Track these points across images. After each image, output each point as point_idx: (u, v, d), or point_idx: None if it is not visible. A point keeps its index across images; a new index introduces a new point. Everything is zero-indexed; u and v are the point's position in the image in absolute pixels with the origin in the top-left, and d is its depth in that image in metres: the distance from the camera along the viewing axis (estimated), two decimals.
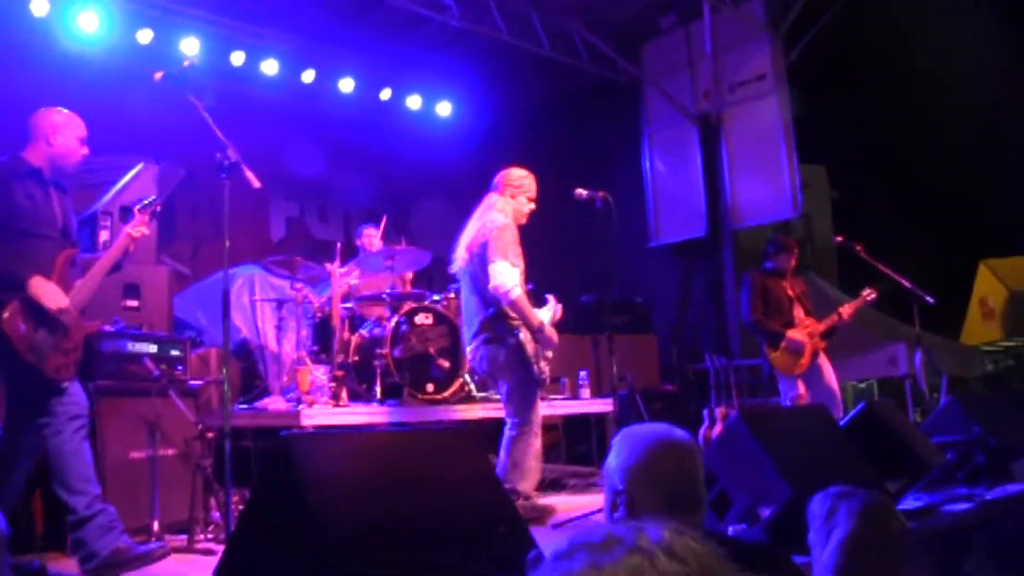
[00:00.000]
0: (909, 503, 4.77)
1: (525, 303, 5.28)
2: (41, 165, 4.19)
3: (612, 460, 2.19)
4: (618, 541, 1.17)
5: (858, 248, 7.44)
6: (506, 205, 5.51)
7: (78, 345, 4.12)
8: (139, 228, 4.37)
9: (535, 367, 5.30)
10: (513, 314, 5.29)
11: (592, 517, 5.26)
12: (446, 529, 2.49)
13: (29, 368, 3.90)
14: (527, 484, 5.33)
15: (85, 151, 4.32)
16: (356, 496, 2.41)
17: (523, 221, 5.60)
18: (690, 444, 2.21)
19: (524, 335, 5.28)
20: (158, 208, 4.46)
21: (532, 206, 5.62)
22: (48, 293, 3.93)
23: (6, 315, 3.85)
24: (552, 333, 5.39)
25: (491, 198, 5.60)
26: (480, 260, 5.36)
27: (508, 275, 5.22)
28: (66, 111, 4.31)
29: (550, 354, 5.47)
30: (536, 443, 5.36)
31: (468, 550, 2.47)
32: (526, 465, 5.32)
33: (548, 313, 5.54)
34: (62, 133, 4.22)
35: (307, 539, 2.29)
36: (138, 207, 4.45)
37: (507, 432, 5.39)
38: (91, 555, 3.93)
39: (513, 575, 2.41)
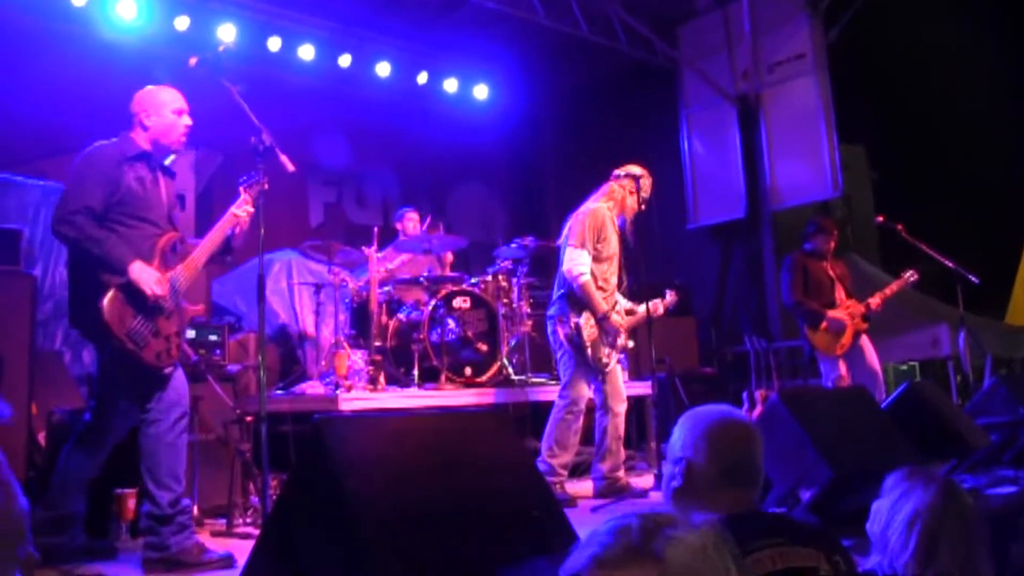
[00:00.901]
0: None
1: (591, 290, 5.47)
2: (148, 148, 4.14)
3: (676, 432, 2.25)
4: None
5: (899, 228, 7.35)
6: (623, 196, 5.74)
7: (182, 330, 4.12)
8: (244, 207, 4.27)
9: (590, 352, 5.48)
10: (578, 295, 5.50)
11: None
12: (480, 512, 2.47)
13: (131, 355, 3.86)
14: (557, 459, 5.53)
15: (187, 122, 4.20)
16: (389, 479, 2.40)
17: (628, 216, 5.78)
18: (753, 424, 2.28)
19: (584, 319, 5.48)
20: (265, 186, 4.28)
21: (642, 208, 5.80)
22: (147, 279, 3.85)
23: (105, 302, 3.80)
24: (616, 323, 5.54)
25: (608, 185, 5.82)
26: (566, 241, 5.63)
27: (578, 261, 5.48)
28: (159, 88, 4.20)
29: (624, 342, 5.68)
30: (572, 422, 5.55)
31: (502, 533, 2.46)
32: (555, 439, 5.54)
33: (649, 305, 5.83)
34: (156, 112, 4.14)
35: (341, 522, 2.29)
36: (243, 185, 4.30)
37: (555, 404, 5.66)
38: (161, 546, 3.93)
39: (547, 557, 2.39)
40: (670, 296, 6.02)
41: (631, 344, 5.80)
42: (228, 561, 3.94)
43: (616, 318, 5.57)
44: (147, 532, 3.99)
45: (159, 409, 3.99)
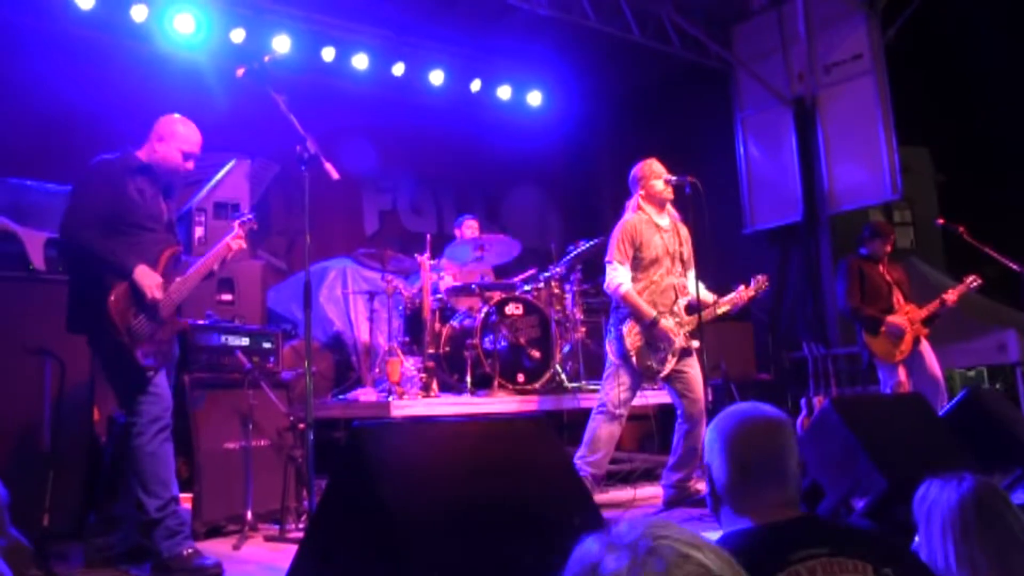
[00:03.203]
0: (1018, 497, 4.56)
1: (633, 299, 5.51)
2: (150, 163, 4.35)
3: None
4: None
5: (960, 230, 7.18)
6: (641, 201, 5.74)
7: (171, 338, 4.25)
8: (237, 241, 4.51)
9: (635, 360, 5.48)
10: (624, 307, 5.55)
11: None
12: (519, 519, 2.45)
13: (124, 348, 4.04)
14: (591, 462, 5.55)
15: (188, 166, 4.42)
16: (427, 485, 2.39)
17: (667, 196, 5.76)
18: (775, 420, 2.14)
19: (627, 329, 5.51)
20: (254, 227, 4.65)
21: (664, 179, 5.71)
22: (149, 282, 4.07)
23: (112, 297, 4.02)
24: (665, 328, 5.48)
25: (629, 202, 5.85)
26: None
27: (615, 274, 5.56)
28: (184, 122, 4.41)
29: (681, 344, 5.54)
30: (607, 427, 5.56)
31: (542, 540, 2.44)
32: (591, 441, 5.58)
33: (730, 297, 5.81)
34: (167, 142, 4.35)
35: (378, 528, 2.29)
36: (238, 221, 4.62)
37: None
38: (153, 552, 4.07)
39: None
40: (757, 279, 5.96)
41: (696, 344, 5.58)
42: (217, 569, 4.03)
43: (667, 322, 5.50)
44: (144, 538, 4.12)
45: (143, 422, 4.10)
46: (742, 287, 5.89)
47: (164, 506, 4.07)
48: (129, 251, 4.12)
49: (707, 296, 5.75)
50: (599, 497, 5.49)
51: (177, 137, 4.35)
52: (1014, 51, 13.19)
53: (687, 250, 5.83)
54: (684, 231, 5.85)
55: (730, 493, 2.07)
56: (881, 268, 6.96)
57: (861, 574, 1.83)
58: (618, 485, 6.44)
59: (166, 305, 4.17)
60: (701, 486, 5.85)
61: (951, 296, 6.85)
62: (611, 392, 5.56)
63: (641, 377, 5.57)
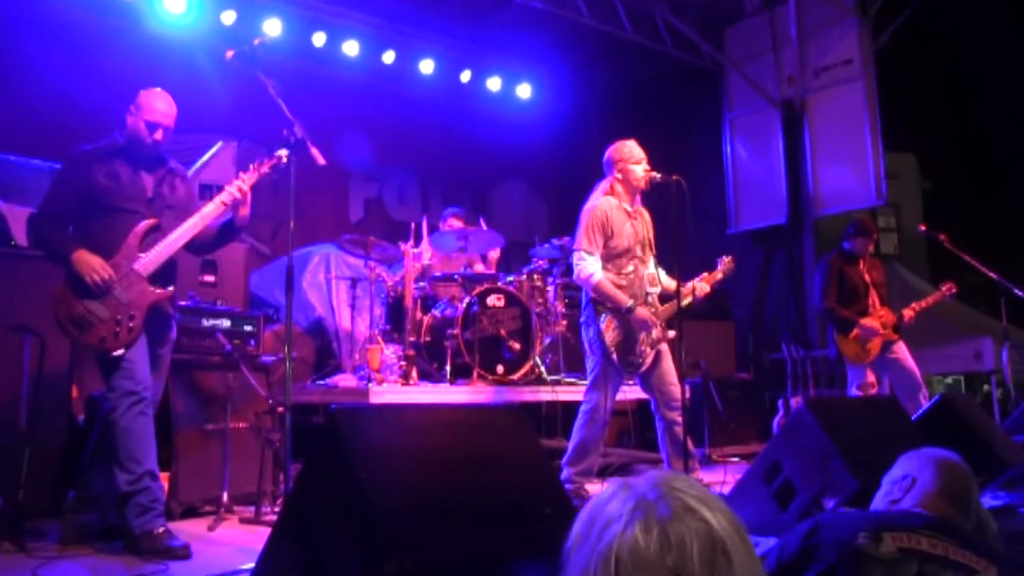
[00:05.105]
0: (986, 501, 4.60)
1: (607, 287, 5.30)
2: (128, 141, 4.34)
3: (901, 463, 2.52)
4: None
5: (941, 238, 7.24)
6: (615, 184, 5.52)
7: (140, 311, 4.15)
8: (237, 182, 4.41)
9: (615, 356, 5.29)
10: (598, 297, 5.33)
11: None
12: (491, 507, 2.48)
13: (74, 339, 4.09)
14: (576, 467, 5.42)
15: (157, 136, 4.33)
16: (402, 470, 2.42)
17: (642, 186, 5.52)
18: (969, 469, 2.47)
19: (606, 323, 5.29)
20: (282, 162, 4.39)
21: (646, 167, 5.51)
22: (87, 267, 4.02)
23: (55, 287, 4.06)
24: (644, 314, 5.31)
25: (601, 184, 5.62)
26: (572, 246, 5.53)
27: (585, 263, 5.32)
28: (158, 95, 4.37)
29: (659, 334, 5.39)
30: (596, 433, 5.39)
31: (513, 529, 2.47)
32: (579, 449, 5.41)
33: (697, 284, 5.60)
34: (133, 114, 4.33)
35: (353, 510, 2.31)
36: (255, 163, 4.48)
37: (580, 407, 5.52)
38: (127, 530, 4.08)
39: (557, 558, 2.38)
40: (724, 263, 5.79)
41: (671, 334, 5.41)
42: (185, 551, 4.00)
43: (643, 311, 5.31)
44: (120, 519, 4.12)
45: (115, 396, 4.10)
46: (722, 263, 5.81)
47: (135, 480, 4.06)
48: (87, 236, 4.12)
49: (669, 282, 5.60)
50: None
51: (145, 108, 4.30)
52: (1006, 59, 13.27)
53: (651, 235, 5.65)
54: (646, 214, 5.66)
55: (923, 500, 2.34)
56: (861, 266, 6.96)
57: (980, 567, 2.01)
58: (594, 479, 6.47)
59: (125, 281, 4.11)
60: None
61: (909, 313, 6.88)
62: (601, 397, 5.34)
63: (622, 374, 5.39)
